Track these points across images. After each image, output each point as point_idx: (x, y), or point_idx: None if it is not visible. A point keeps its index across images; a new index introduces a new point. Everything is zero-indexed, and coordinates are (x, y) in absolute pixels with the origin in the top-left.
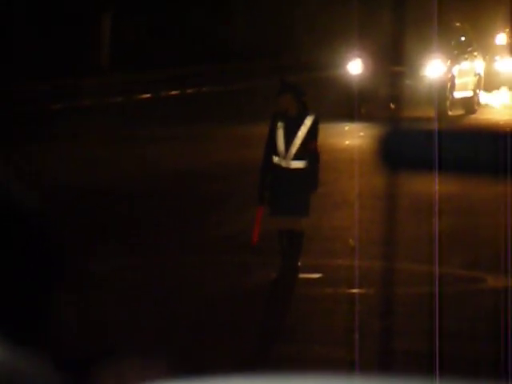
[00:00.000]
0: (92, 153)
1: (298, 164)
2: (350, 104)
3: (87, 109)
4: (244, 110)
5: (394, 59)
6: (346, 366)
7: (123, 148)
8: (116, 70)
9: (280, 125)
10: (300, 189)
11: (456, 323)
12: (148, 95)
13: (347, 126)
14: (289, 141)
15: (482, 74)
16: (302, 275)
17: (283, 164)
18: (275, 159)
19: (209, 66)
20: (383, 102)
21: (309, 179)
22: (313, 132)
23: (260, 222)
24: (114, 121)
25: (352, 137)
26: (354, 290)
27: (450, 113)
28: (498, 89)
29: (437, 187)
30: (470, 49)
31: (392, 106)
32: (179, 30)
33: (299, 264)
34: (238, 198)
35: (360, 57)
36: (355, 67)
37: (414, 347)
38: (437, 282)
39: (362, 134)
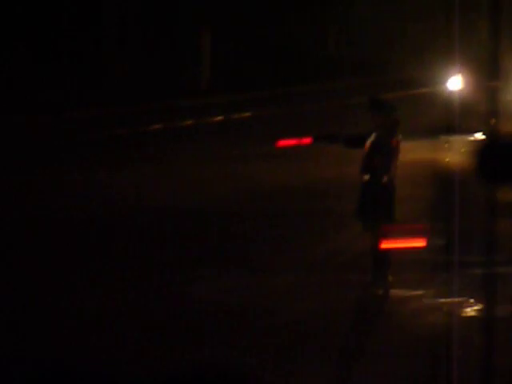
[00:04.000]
0: (194, 173)
1: (366, 177)
2: (451, 120)
3: (188, 129)
4: (343, 127)
5: (494, 74)
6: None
7: (223, 167)
8: (217, 91)
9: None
10: (371, 203)
11: None
12: (248, 114)
13: (447, 143)
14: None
15: None
16: (404, 292)
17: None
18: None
19: (312, 84)
20: (484, 118)
21: (377, 194)
22: (378, 148)
23: (298, 143)
24: (214, 140)
25: (453, 152)
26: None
27: None
28: None
29: None
30: None
31: (493, 121)
32: (278, 47)
33: (390, 279)
34: (337, 216)
35: (460, 72)
36: (456, 83)
37: None
38: None
39: (463, 149)
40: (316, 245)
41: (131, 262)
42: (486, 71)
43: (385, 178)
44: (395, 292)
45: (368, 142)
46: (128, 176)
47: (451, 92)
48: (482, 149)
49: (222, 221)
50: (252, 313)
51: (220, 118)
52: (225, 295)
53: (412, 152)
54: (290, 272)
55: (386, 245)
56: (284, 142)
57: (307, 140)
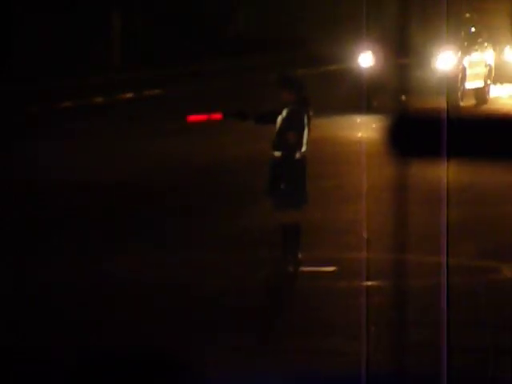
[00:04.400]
0: (107, 148)
1: (277, 154)
2: (362, 97)
3: (100, 106)
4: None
5: (404, 51)
6: (361, 359)
7: (134, 144)
8: (128, 68)
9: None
10: (283, 180)
11: (469, 314)
12: (158, 91)
13: (359, 119)
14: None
15: (493, 65)
16: (315, 268)
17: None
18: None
19: (222, 61)
20: (395, 94)
21: (289, 171)
22: (290, 123)
23: (208, 118)
24: (124, 117)
25: (364, 129)
26: (368, 283)
27: (461, 103)
28: (509, 81)
29: (447, 175)
30: (480, 40)
31: (403, 97)
32: (188, 21)
33: (299, 257)
34: (248, 192)
35: (370, 49)
36: (366, 60)
37: (426, 339)
38: (445, 273)
39: (374, 126)
40: (227, 221)
41: (53, 237)
42: (396, 48)
43: (297, 155)
44: (305, 269)
45: (279, 119)
46: (41, 152)
47: (362, 69)
48: (393, 124)
49: (133, 198)
50: (165, 289)
51: (130, 94)
52: (138, 272)
53: (323, 129)
54: (201, 249)
55: (191, 119)
56: (194, 117)
57: (218, 116)
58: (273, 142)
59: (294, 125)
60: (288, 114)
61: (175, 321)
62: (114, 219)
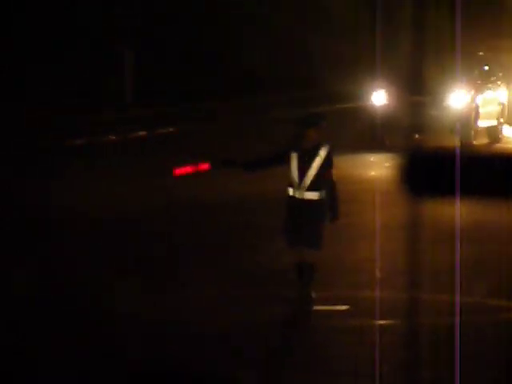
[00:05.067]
0: (119, 186)
1: (313, 195)
2: (375, 135)
3: (112, 144)
4: (267, 142)
5: (417, 89)
6: None
7: (145, 181)
8: (141, 105)
9: (294, 155)
10: (312, 220)
11: (481, 353)
12: (172, 129)
13: (372, 157)
14: (303, 172)
15: (506, 103)
16: (328, 307)
17: (297, 195)
18: (290, 190)
19: (235, 99)
20: (408, 133)
21: (324, 210)
22: (328, 163)
23: (195, 170)
24: (136, 155)
25: (377, 168)
26: (381, 322)
27: (474, 142)
28: None
29: (459, 213)
30: (493, 78)
31: (416, 136)
32: (200, 62)
33: (313, 295)
34: (260, 230)
35: (384, 87)
36: (379, 98)
37: (438, 378)
38: (458, 312)
39: (387, 164)
40: (241, 259)
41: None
42: (409, 86)
43: (336, 194)
44: (318, 308)
45: (316, 160)
46: (50, 188)
47: (375, 107)
48: (406, 162)
49: (147, 234)
50: (179, 325)
51: (143, 132)
52: (152, 308)
53: (337, 167)
54: (214, 285)
55: (178, 172)
56: (181, 171)
57: (205, 166)
58: (307, 183)
59: (330, 165)
60: (328, 153)
61: (189, 355)
62: (125, 256)
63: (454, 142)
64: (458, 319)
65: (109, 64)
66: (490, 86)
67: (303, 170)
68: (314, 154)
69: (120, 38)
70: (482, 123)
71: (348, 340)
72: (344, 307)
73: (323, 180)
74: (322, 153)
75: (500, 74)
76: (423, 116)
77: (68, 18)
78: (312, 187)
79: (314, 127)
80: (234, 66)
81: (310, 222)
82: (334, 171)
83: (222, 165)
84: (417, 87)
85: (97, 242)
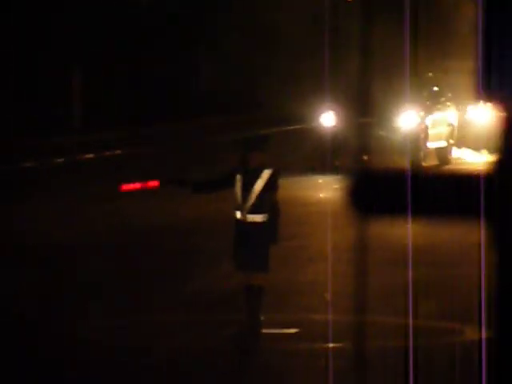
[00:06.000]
0: (61, 210)
1: (255, 218)
2: (324, 157)
3: (60, 167)
4: (212, 165)
5: (366, 111)
6: None
7: (94, 205)
8: (89, 129)
9: (238, 178)
10: (258, 243)
11: (434, 377)
12: (119, 151)
13: (321, 179)
14: (246, 194)
15: (456, 124)
16: (277, 330)
17: (241, 217)
18: (236, 213)
19: (181, 122)
20: (357, 154)
21: (268, 233)
22: (271, 185)
23: (143, 187)
24: (86, 178)
25: (326, 189)
26: (330, 345)
27: (423, 163)
28: (471, 142)
29: (410, 235)
30: (442, 99)
31: (365, 157)
32: (149, 85)
33: (262, 318)
34: (208, 253)
35: (332, 109)
36: (328, 119)
37: None
38: (411, 335)
39: (336, 186)
40: (187, 283)
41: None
42: (358, 107)
43: (277, 219)
44: (267, 331)
45: (258, 182)
46: None
47: (324, 128)
48: (354, 183)
49: (90, 258)
50: (125, 351)
51: (91, 155)
52: (96, 334)
53: (285, 189)
54: (161, 310)
55: (124, 188)
56: (128, 186)
57: (154, 183)
58: (250, 205)
59: (275, 187)
60: (269, 177)
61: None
62: (62, 281)
63: (404, 163)
64: (410, 342)
65: (57, 89)
66: (439, 107)
67: (246, 192)
68: (257, 177)
69: (68, 63)
70: (432, 144)
71: (298, 363)
72: (293, 330)
73: (267, 203)
74: (265, 175)
75: (449, 95)
76: (372, 137)
77: (15, 41)
78: (255, 210)
79: (257, 150)
80: (184, 90)
81: (255, 245)
82: (282, 193)
83: (172, 183)
84: (365, 108)
85: (31, 267)
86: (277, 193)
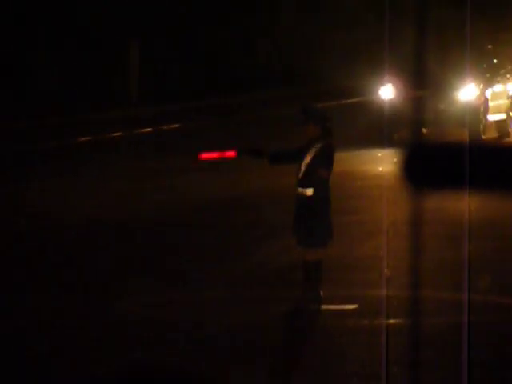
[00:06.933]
0: (121, 186)
1: (304, 191)
2: (383, 130)
3: (117, 141)
4: (273, 139)
5: (426, 84)
6: None
7: (151, 180)
8: (145, 102)
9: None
10: (312, 217)
11: (492, 354)
12: (177, 125)
13: (380, 153)
14: (300, 167)
15: None
16: (337, 306)
17: (297, 191)
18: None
19: (242, 95)
20: (416, 127)
21: (322, 207)
22: (320, 159)
23: (221, 156)
24: (142, 153)
25: (385, 163)
26: (390, 321)
27: (483, 136)
28: None
29: (469, 209)
30: (502, 71)
31: (425, 130)
32: (207, 57)
33: (321, 294)
34: (272, 227)
35: (391, 82)
36: (387, 93)
37: (447, 379)
38: (467, 311)
39: (395, 160)
40: (246, 257)
41: (61, 275)
42: (417, 80)
43: (326, 192)
44: (326, 307)
45: (308, 155)
46: (56, 189)
47: (383, 102)
48: (408, 156)
49: (150, 234)
50: (180, 326)
51: (149, 129)
52: (152, 309)
53: (344, 163)
54: (219, 285)
55: (203, 157)
56: (207, 155)
57: (231, 153)
58: (300, 179)
59: (326, 162)
60: (319, 150)
61: (192, 357)
62: (128, 255)
63: (463, 136)
64: (466, 319)
65: (112, 62)
66: (499, 79)
67: (300, 165)
68: (308, 150)
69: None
70: (492, 117)
71: (356, 340)
72: (352, 306)
73: (316, 177)
74: (314, 149)
75: (509, 68)
76: (432, 110)
77: (68, 16)
78: (303, 183)
79: (311, 123)
80: (244, 61)
81: (310, 219)
82: (340, 167)
83: (249, 154)
84: (425, 81)
85: (96, 241)
86: (327, 168)
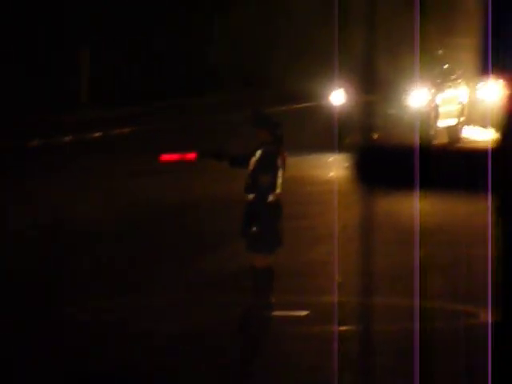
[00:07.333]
0: (75, 188)
1: (248, 197)
2: (333, 135)
3: (67, 145)
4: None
5: (376, 89)
6: None
7: (103, 184)
8: (95, 106)
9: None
10: (256, 223)
11: (444, 361)
12: (128, 129)
13: (331, 158)
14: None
15: (466, 102)
16: (288, 312)
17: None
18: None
19: (195, 98)
20: (366, 132)
21: (268, 213)
22: (264, 165)
23: (181, 158)
24: (95, 157)
25: (336, 168)
26: (341, 328)
27: (434, 142)
28: (482, 120)
29: (418, 210)
30: (453, 76)
31: (375, 135)
32: (159, 60)
33: (272, 300)
34: (218, 233)
35: (342, 87)
36: (337, 97)
37: None
38: (417, 318)
39: (345, 164)
40: (195, 263)
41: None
42: (368, 85)
43: (271, 197)
44: (277, 313)
45: (253, 160)
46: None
47: (333, 107)
48: (359, 160)
49: (100, 239)
50: (129, 333)
51: (99, 133)
52: (101, 315)
53: (295, 168)
54: (169, 291)
55: (163, 159)
56: (167, 157)
57: (191, 155)
58: (246, 184)
59: (268, 167)
60: (261, 155)
61: (140, 365)
62: (74, 260)
63: (414, 141)
64: (417, 325)
65: (64, 64)
66: (450, 84)
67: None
68: (251, 155)
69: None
70: (442, 123)
71: (307, 346)
72: (303, 312)
73: (259, 182)
74: (258, 154)
75: (460, 73)
76: (382, 116)
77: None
78: (247, 188)
79: (258, 127)
80: (195, 65)
81: (252, 225)
82: (291, 172)
83: (209, 157)
84: (376, 86)
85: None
86: (267, 173)
